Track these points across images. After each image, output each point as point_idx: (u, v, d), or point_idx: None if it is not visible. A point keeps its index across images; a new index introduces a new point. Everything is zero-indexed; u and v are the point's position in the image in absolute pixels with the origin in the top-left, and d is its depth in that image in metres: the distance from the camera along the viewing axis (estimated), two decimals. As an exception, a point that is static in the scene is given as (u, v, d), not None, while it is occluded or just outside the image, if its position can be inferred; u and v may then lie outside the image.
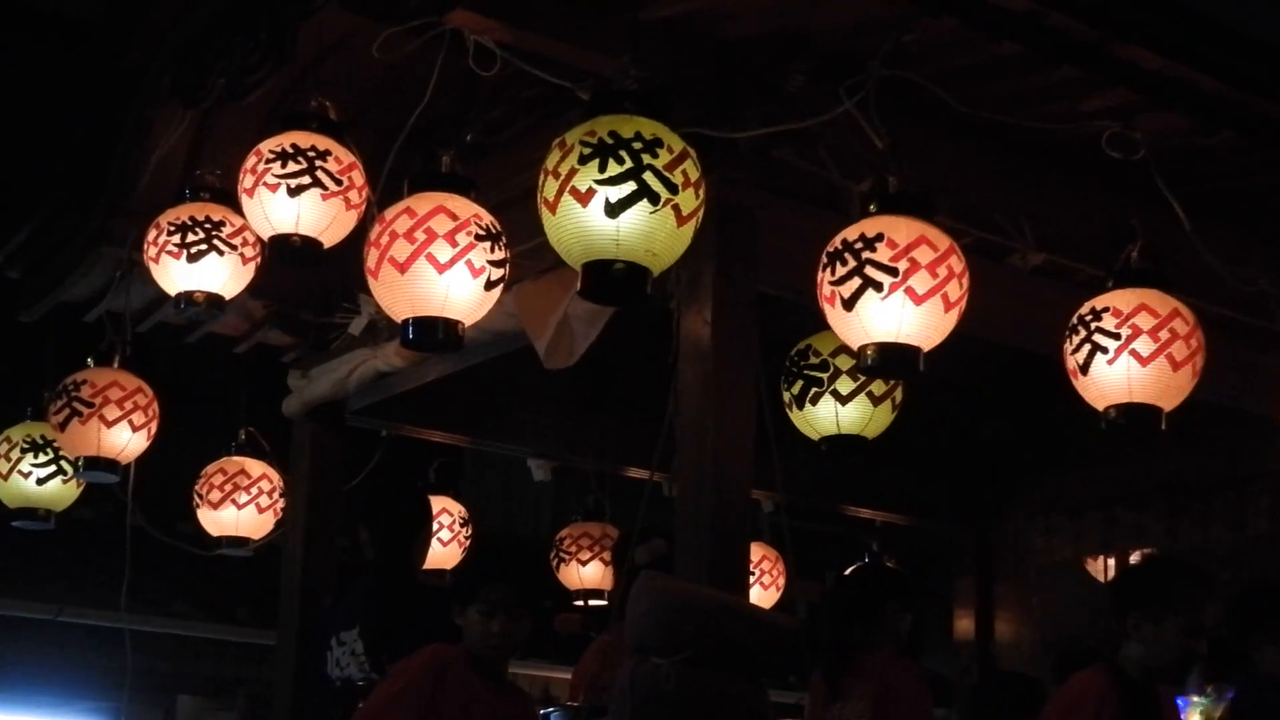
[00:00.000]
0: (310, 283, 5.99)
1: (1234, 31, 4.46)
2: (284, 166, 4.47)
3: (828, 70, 4.34)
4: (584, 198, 3.63)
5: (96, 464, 5.55)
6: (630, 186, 3.62)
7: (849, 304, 3.92)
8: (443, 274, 4.05)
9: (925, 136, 4.62)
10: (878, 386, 5.37)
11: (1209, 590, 4.88)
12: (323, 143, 4.54)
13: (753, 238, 4.49)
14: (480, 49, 4.32)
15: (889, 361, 3.96)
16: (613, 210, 3.62)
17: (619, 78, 3.81)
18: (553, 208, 3.69)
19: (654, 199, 3.63)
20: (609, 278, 3.69)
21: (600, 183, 3.62)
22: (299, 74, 5.02)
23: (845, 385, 5.34)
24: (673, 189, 3.64)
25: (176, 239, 4.96)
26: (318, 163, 4.49)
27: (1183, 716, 5.84)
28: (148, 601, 10.15)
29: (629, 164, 3.62)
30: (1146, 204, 4.66)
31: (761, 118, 4.37)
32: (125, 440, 5.54)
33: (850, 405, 5.36)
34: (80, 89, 5.68)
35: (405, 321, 4.13)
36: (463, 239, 4.07)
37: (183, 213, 5.01)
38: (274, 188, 4.47)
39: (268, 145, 4.53)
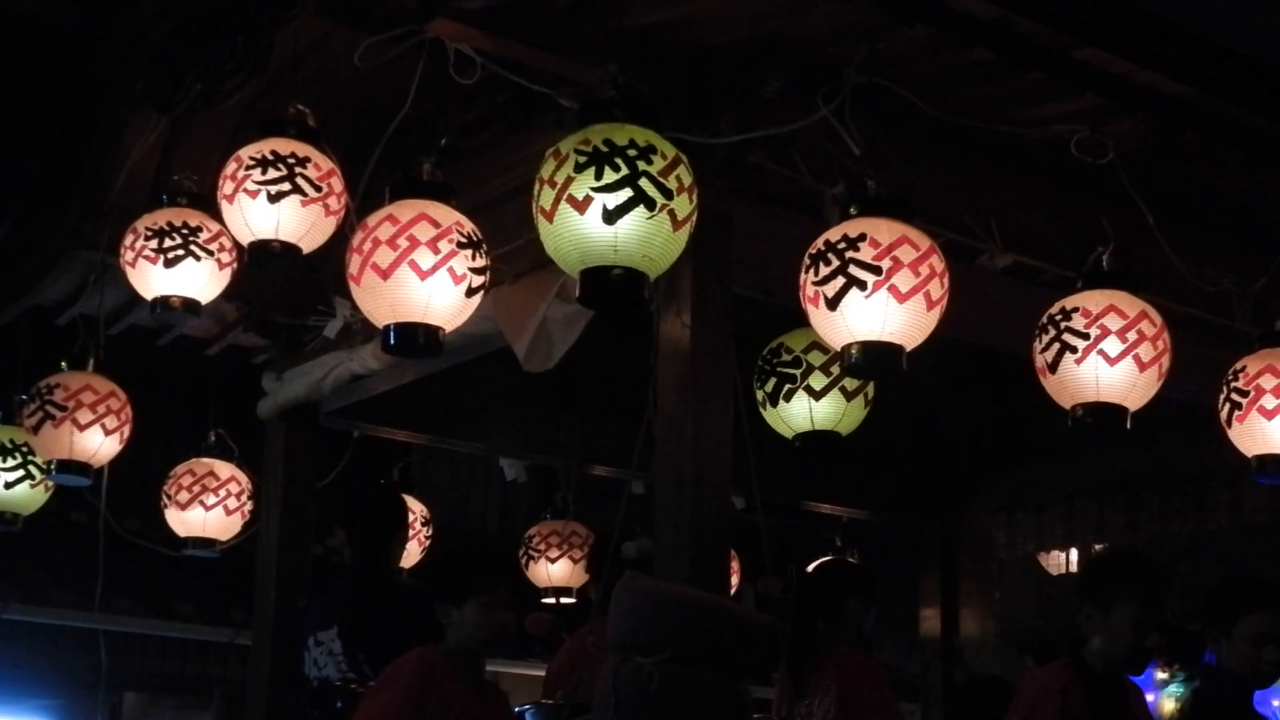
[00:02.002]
0: (282, 286, 6.01)
1: (1196, 36, 4.56)
2: (264, 173, 4.50)
3: (801, 76, 4.41)
4: (581, 205, 3.70)
5: (69, 467, 5.57)
6: (627, 193, 3.69)
7: (833, 303, 3.99)
8: (425, 280, 4.11)
9: (895, 140, 4.70)
10: (850, 382, 5.43)
11: (1164, 582, 4.97)
12: (302, 149, 4.57)
13: (729, 241, 4.55)
14: (459, 57, 4.38)
15: (872, 360, 4.02)
16: (610, 217, 3.69)
17: (604, 86, 3.87)
18: (549, 216, 3.75)
19: (650, 205, 3.70)
20: (607, 284, 3.76)
21: (597, 190, 3.69)
22: (271, 78, 5.06)
23: (818, 381, 5.40)
24: (668, 195, 3.72)
25: (154, 244, 4.98)
26: (297, 169, 4.52)
27: (1155, 698, 5.94)
28: (90, 597, 10.13)
29: (625, 171, 3.69)
30: (1109, 205, 4.77)
31: (736, 124, 4.43)
32: (98, 444, 5.56)
33: (824, 401, 5.42)
34: (52, 93, 5.67)
35: (387, 327, 4.18)
36: (445, 246, 4.13)
37: (160, 218, 5.03)
38: (254, 194, 4.49)
39: (247, 152, 4.56)
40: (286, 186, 4.50)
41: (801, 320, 5.24)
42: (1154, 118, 4.61)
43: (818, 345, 5.38)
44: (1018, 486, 7.70)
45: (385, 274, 4.11)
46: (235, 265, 5.07)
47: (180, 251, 4.98)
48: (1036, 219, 5.12)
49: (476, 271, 4.20)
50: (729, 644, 3.99)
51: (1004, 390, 6.73)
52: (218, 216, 5.05)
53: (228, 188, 4.56)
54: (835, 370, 5.38)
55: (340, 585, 5.73)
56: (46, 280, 5.94)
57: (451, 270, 4.13)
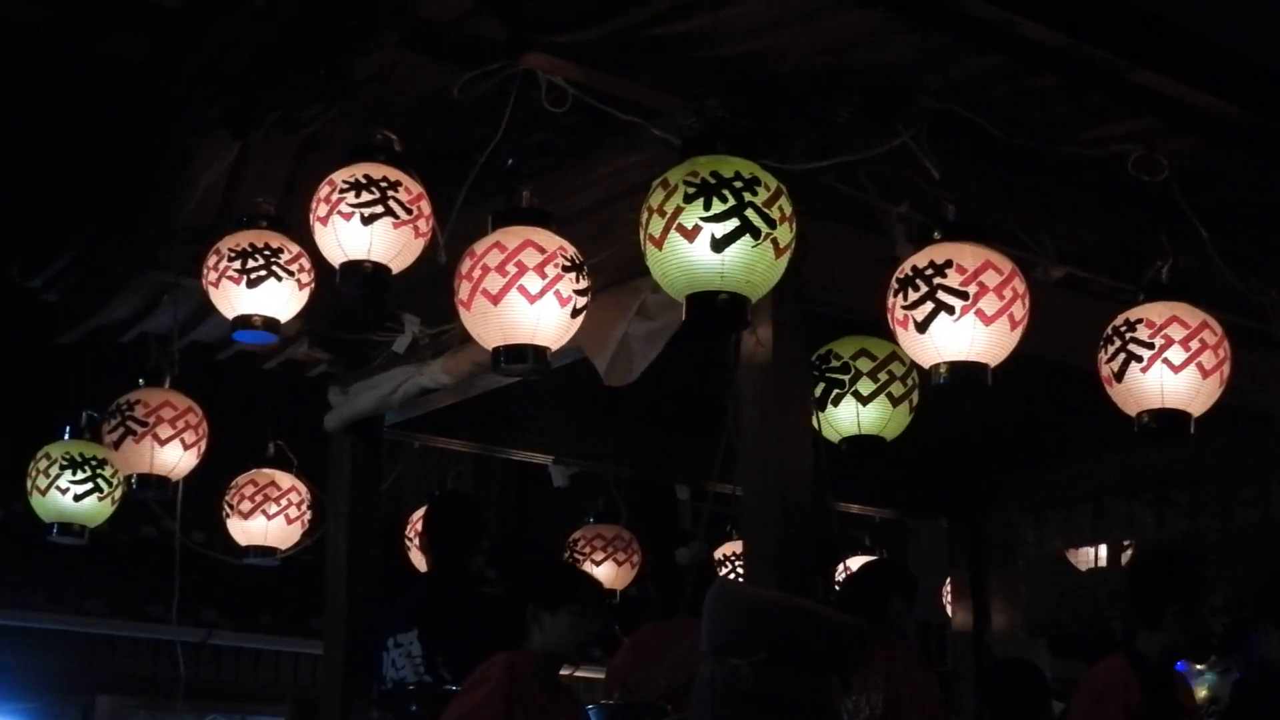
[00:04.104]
0: (344, 301, 6.16)
1: (1245, 59, 4.79)
2: (358, 196, 4.67)
3: (871, 102, 4.62)
4: (690, 234, 3.91)
5: (149, 481, 5.74)
6: (734, 223, 3.91)
7: (922, 326, 4.22)
8: (533, 304, 4.34)
9: (953, 159, 4.88)
10: (897, 388, 5.65)
11: (1209, 574, 5.27)
12: (393, 174, 4.75)
13: (803, 258, 4.74)
14: (526, 84, 4.58)
15: (959, 378, 4.26)
16: (718, 245, 3.91)
17: (704, 119, 4.08)
18: (659, 243, 3.96)
19: (755, 234, 3.92)
20: (713, 308, 3.97)
21: (706, 220, 3.91)
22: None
23: (866, 387, 5.61)
24: (771, 224, 3.95)
25: (237, 265, 5.13)
26: (389, 193, 4.70)
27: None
28: (58, 600, 10.21)
29: (732, 202, 3.91)
30: (1156, 218, 4.99)
31: (810, 148, 4.61)
32: (177, 458, 5.73)
33: (870, 407, 5.63)
34: (123, 118, 5.82)
35: (496, 349, 4.40)
36: (551, 271, 4.36)
37: (242, 239, 5.18)
38: (348, 216, 4.66)
39: (341, 176, 4.72)
40: (379, 209, 4.68)
41: (848, 328, 5.51)
42: (1204, 136, 4.84)
43: (865, 352, 5.61)
44: (1046, 485, 7.84)
45: (496, 299, 4.33)
46: (313, 285, 5.25)
47: (263, 272, 5.13)
48: (1086, 232, 5.32)
49: (580, 293, 4.42)
50: (819, 645, 4.19)
51: (1031, 391, 6.94)
52: (294, 237, 5.26)
53: (321, 210, 4.73)
54: (882, 377, 5.61)
55: (418, 590, 5.92)
56: (116, 300, 6.12)
57: (558, 294, 4.35)
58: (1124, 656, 5.23)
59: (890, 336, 4.54)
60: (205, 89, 5.44)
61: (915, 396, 5.74)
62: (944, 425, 7.48)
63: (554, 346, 4.42)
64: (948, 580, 8.29)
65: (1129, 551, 7.75)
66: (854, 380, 5.57)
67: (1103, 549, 7.93)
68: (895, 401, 5.67)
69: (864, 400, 5.62)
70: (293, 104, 5.09)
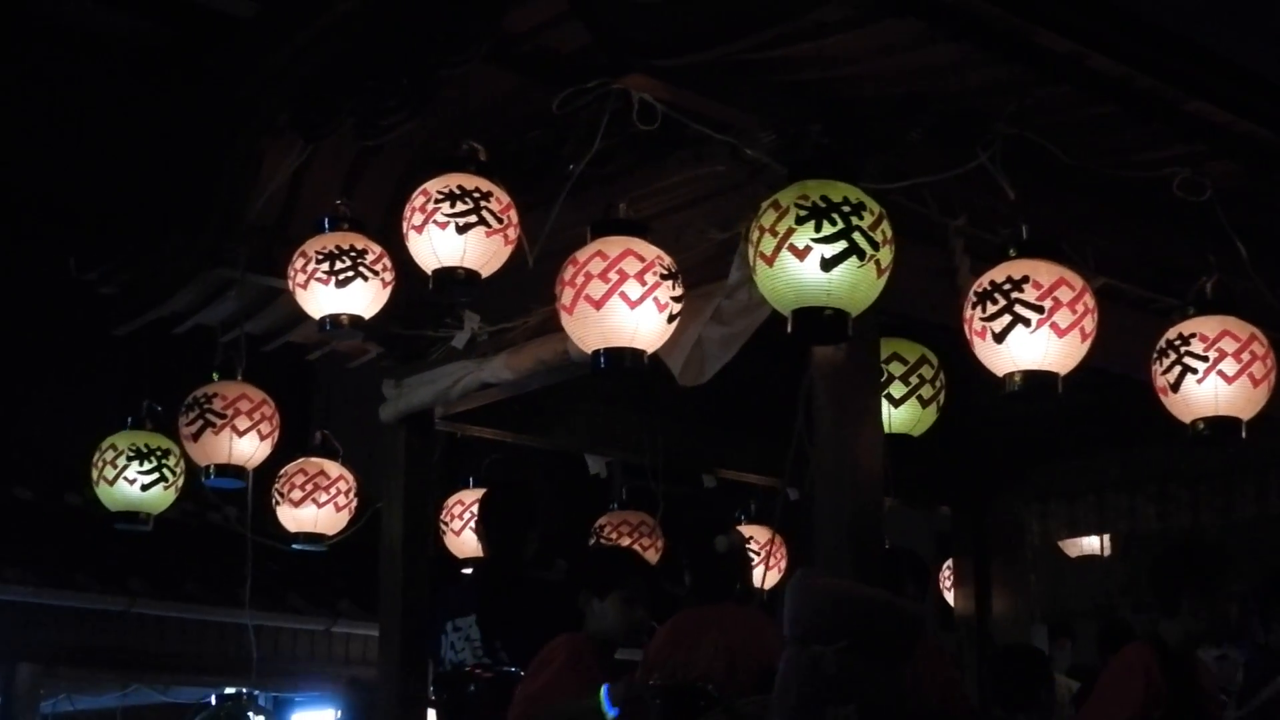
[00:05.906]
0: (397, 297, 6.38)
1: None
2: (453, 206, 4.94)
3: (943, 126, 4.90)
4: (801, 254, 4.22)
5: (226, 471, 5.98)
6: (842, 245, 4.22)
7: (999, 337, 4.51)
8: (634, 310, 4.62)
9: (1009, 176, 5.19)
10: (926, 390, 5.98)
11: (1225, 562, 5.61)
12: (484, 184, 5.01)
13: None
14: (613, 101, 4.84)
15: (1033, 386, 4.56)
16: (827, 265, 4.22)
17: (807, 144, 4.36)
18: (770, 261, 4.26)
19: (861, 255, 4.23)
20: (818, 322, 4.28)
21: (816, 241, 4.21)
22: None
23: (898, 390, 5.93)
24: (876, 246, 4.26)
25: (325, 266, 5.37)
26: (482, 203, 4.97)
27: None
28: None
29: (840, 225, 4.22)
30: (1193, 234, 5.32)
31: (882, 167, 4.88)
32: (253, 449, 5.97)
33: (903, 408, 5.97)
34: (188, 117, 6.01)
35: (597, 351, 4.67)
36: (650, 278, 4.64)
37: (328, 242, 5.42)
38: (444, 225, 4.94)
39: (435, 185, 4.99)
40: (473, 219, 4.95)
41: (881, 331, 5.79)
42: (1248, 161, 5.16)
43: (897, 355, 5.93)
44: (1050, 478, 8.14)
45: (598, 305, 4.60)
46: (394, 285, 5.49)
47: (350, 273, 5.38)
48: (1125, 246, 5.61)
49: (675, 300, 4.71)
50: (895, 634, 4.50)
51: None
52: (373, 239, 5.49)
53: (416, 219, 4.98)
54: (914, 380, 5.94)
55: (475, 576, 6.16)
56: (179, 294, 6.32)
57: (656, 300, 4.64)
58: (1146, 643, 5.57)
59: (959, 343, 4.82)
60: (279, 91, 5.66)
61: (942, 398, 6.05)
62: (957, 421, 7.82)
63: (650, 349, 4.70)
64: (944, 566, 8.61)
65: (1128, 542, 8.08)
66: (886, 383, 5.85)
67: (1105, 540, 8.26)
68: (925, 403, 6.01)
69: (896, 402, 5.93)
70: (373, 111, 5.32)
